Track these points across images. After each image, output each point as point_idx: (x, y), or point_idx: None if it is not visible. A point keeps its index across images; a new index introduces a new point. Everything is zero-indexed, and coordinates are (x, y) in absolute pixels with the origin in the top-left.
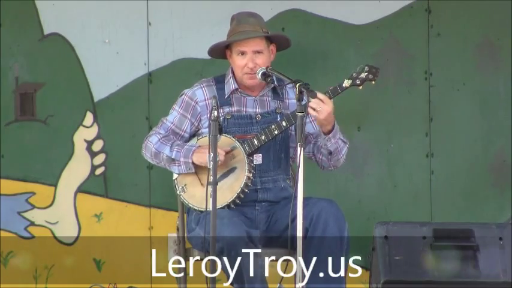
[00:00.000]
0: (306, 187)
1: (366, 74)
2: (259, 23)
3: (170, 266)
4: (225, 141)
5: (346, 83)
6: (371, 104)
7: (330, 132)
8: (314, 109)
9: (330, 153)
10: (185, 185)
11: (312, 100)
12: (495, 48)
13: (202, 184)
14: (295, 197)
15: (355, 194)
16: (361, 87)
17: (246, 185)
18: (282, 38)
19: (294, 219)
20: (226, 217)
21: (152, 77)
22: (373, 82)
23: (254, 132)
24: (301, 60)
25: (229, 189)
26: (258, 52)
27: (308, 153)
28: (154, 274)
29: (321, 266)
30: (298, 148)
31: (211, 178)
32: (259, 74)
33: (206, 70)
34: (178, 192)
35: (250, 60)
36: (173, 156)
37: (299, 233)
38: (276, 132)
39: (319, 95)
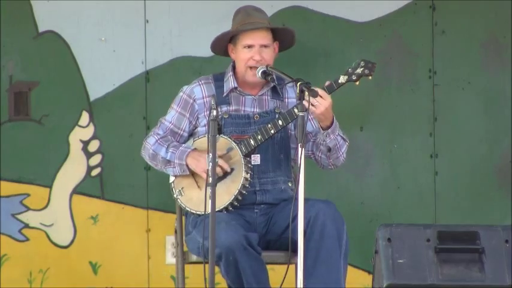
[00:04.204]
0: (307, 188)
1: (361, 69)
2: (265, 18)
3: (168, 269)
4: (222, 142)
5: (342, 79)
6: (374, 104)
7: (328, 127)
8: (312, 104)
9: (329, 150)
10: (182, 188)
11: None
12: (501, 46)
13: (199, 187)
14: (296, 199)
15: (358, 196)
16: (357, 83)
17: (243, 186)
18: (288, 34)
19: (293, 221)
20: (223, 221)
21: (150, 75)
22: (370, 77)
23: (251, 132)
24: (302, 58)
25: (227, 192)
26: (265, 46)
27: (307, 152)
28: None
29: (320, 268)
30: (299, 148)
31: (209, 180)
32: (259, 73)
33: (205, 68)
34: (175, 195)
35: (257, 53)
36: (168, 158)
37: (300, 235)
38: (272, 131)
39: (317, 89)
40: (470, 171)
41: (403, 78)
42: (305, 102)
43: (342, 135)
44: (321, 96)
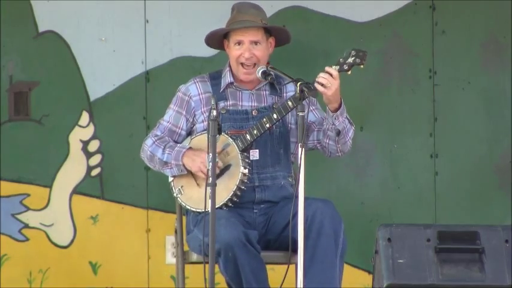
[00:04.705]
0: (307, 188)
1: (353, 58)
2: (259, 15)
3: (168, 269)
4: (219, 138)
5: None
6: (374, 104)
7: (337, 109)
8: (323, 85)
9: (338, 133)
10: (182, 187)
11: (321, 74)
12: (501, 46)
13: (198, 185)
14: (295, 196)
15: (358, 196)
16: (349, 73)
17: (241, 181)
18: (280, 31)
19: (293, 219)
20: (223, 217)
21: (150, 75)
22: (362, 66)
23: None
24: (302, 58)
25: (225, 188)
26: (256, 43)
27: (312, 142)
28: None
29: (315, 266)
30: (300, 149)
31: (209, 179)
32: (259, 73)
33: (205, 68)
34: (175, 194)
35: (247, 50)
36: (165, 159)
37: (300, 235)
38: (267, 125)
39: (329, 68)
40: (470, 171)
41: (403, 78)
42: (318, 85)
43: (348, 118)
44: (331, 75)
